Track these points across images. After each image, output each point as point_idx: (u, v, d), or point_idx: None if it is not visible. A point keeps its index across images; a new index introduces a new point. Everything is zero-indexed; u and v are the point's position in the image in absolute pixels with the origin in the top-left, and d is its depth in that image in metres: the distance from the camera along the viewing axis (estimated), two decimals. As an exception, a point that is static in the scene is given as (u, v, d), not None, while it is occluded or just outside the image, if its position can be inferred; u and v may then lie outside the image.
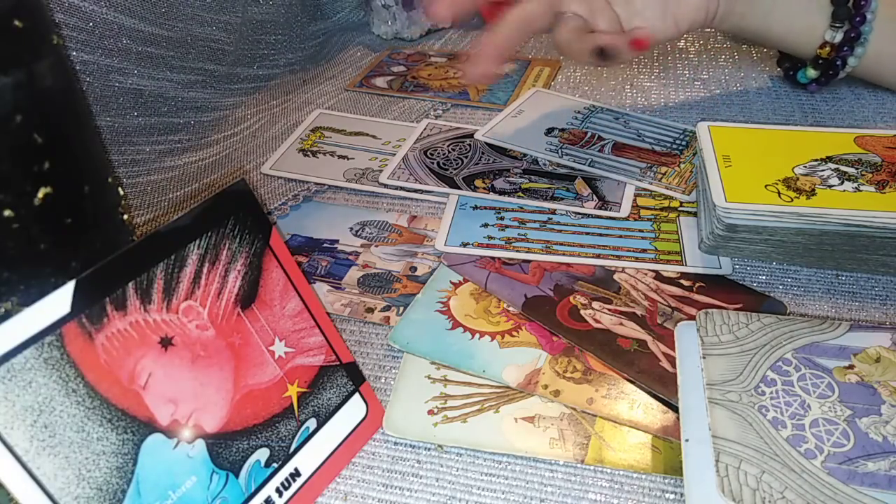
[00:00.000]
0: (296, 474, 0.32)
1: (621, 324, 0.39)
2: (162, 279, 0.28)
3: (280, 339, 0.32)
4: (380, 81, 0.67)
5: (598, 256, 0.44)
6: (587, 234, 0.46)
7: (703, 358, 0.34)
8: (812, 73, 0.57)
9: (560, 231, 0.46)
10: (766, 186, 0.42)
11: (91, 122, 0.33)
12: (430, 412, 0.35)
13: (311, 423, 0.33)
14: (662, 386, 0.35)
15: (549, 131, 0.56)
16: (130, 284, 0.27)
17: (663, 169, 0.51)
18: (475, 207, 0.49)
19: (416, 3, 0.74)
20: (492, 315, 0.40)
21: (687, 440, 0.31)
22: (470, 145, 0.55)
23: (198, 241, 0.30)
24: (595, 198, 0.48)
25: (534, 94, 0.61)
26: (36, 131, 0.28)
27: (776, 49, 0.60)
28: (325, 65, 0.72)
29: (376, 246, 0.47)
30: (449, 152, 0.54)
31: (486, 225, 0.47)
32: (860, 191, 0.41)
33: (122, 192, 0.35)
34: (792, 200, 0.40)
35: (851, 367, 0.33)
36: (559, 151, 0.53)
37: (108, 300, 0.27)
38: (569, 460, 0.33)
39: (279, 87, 0.68)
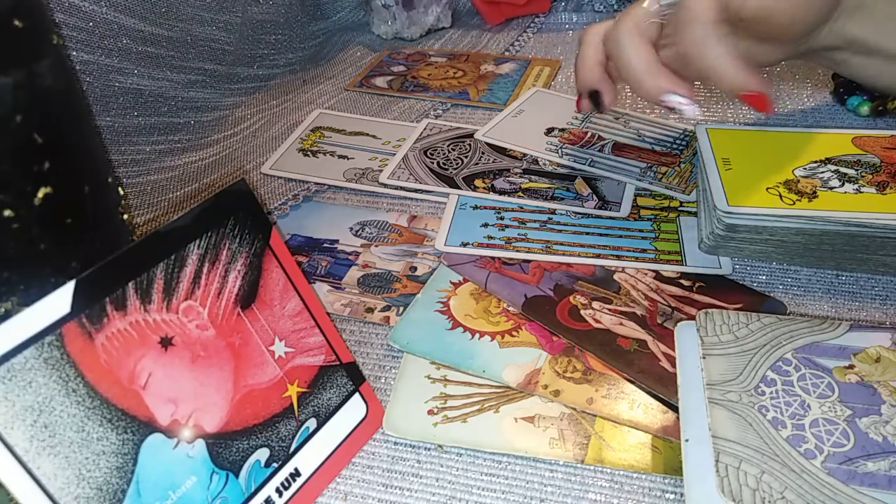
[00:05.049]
0: (296, 474, 0.32)
1: (621, 324, 0.39)
2: (162, 279, 0.28)
3: (280, 339, 0.32)
4: (380, 81, 0.67)
5: (598, 256, 0.44)
6: (587, 234, 0.46)
7: (703, 358, 0.34)
8: (865, 110, 0.54)
9: (560, 231, 0.46)
10: (767, 189, 0.42)
11: (91, 122, 0.33)
12: (430, 412, 0.35)
13: (311, 423, 0.33)
14: (662, 386, 0.35)
15: (549, 131, 0.56)
16: (130, 284, 0.27)
17: (663, 169, 0.51)
18: (475, 207, 0.49)
19: (416, 3, 0.74)
20: (492, 315, 0.40)
21: (687, 440, 0.31)
22: (470, 145, 0.55)
23: (198, 241, 0.30)
24: (595, 198, 0.48)
25: (534, 94, 0.61)
26: (36, 131, 0.28)
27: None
28: (325, 65, 0.72)
29: (376, 246, 0.47)
30: (449, 152, 0.54)
31: (486, 225, 0.47)
32: (861, 192, 0.41)
33: (122, 192, 0.35)
34: (794, 203, 0.40)
35: (851, 367, 0.33)
36: (559, 151, 0.53)
37: (108, 300, 0.27)
38: (569, 460, 0.33)
39: (279, 87, 0.68)
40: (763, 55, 0.44)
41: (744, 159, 0.44)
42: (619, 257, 0.43)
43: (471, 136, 0.56)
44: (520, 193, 0.49)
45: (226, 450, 0.30)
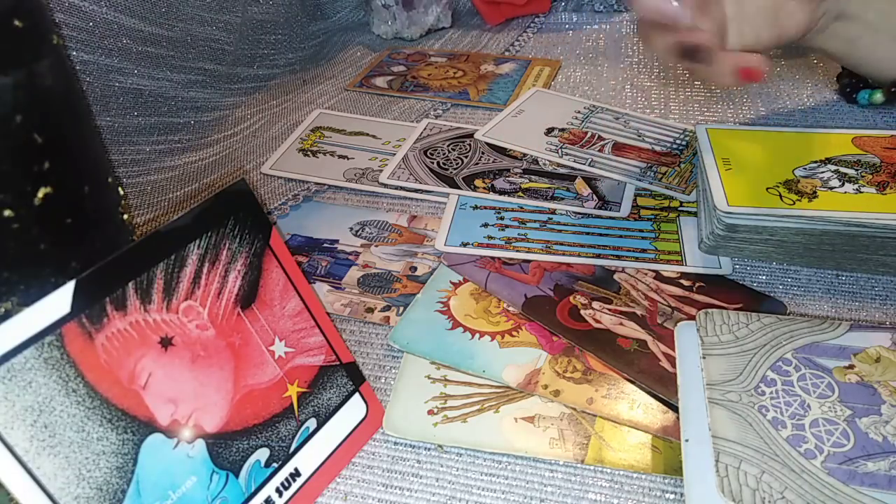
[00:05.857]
0: (296, 474, 0.32)
1: (621, 324, 0.39)
2: (162, 279, 0.28)
3: (280, 339, 0.32)
4: (380, 81, 0.67)
5: (598, 256, 0.44)
6: (587, 234, 0.46)
7: (703, 358, 0.34)
8: (879, 97, 0.54)
9: (560, 231, 0.46)
10: (767, 189, 0.42)
11: (91, 122, 0.33)
12: (430, 412, 0.35)
13: (311, 423, 0.33)
14: (662, 386, 0.35)
15: (549, 131, 0.56)
16: (130, 284, 0.27)
17: (663, 169, 0.51)
18: (475, 207, 0.49)
19: (416, 3, 0.74)
20: (492, 315, 0.40)
21: (687, 440, 0.31)
22: (470, 145, 0.55)
23: (198, 241, 0.30)
24: (595, 198, 0.48)
25: (534, 94, 0.61)
26: (36, 131, 0.28)
27: (852, 69, 0.55)
28: (325, 65, 0.72)
29: (376, 246, 0.47)
30: (449, 152, 0.54)
31: (486, 225, 0.47)
32: (861, 192, 0.41)
33: (122, 192, 0.35)
34: (794, 203, 0.40)
35: (851, 367, 0.33)
36: (559, 151, 0.53)
37: (108, 300, 0.27)
38: (569, 460, 0.33)
39: (279, 87, 0.68)
40: (789, 16, 0.45)
41: (744, 159, 0.44)
42: (619, 257, 0.43)
43: (471, 136, 0.56)
44: (520, 193, 0.49)
45: (226, 450, 0.30)
